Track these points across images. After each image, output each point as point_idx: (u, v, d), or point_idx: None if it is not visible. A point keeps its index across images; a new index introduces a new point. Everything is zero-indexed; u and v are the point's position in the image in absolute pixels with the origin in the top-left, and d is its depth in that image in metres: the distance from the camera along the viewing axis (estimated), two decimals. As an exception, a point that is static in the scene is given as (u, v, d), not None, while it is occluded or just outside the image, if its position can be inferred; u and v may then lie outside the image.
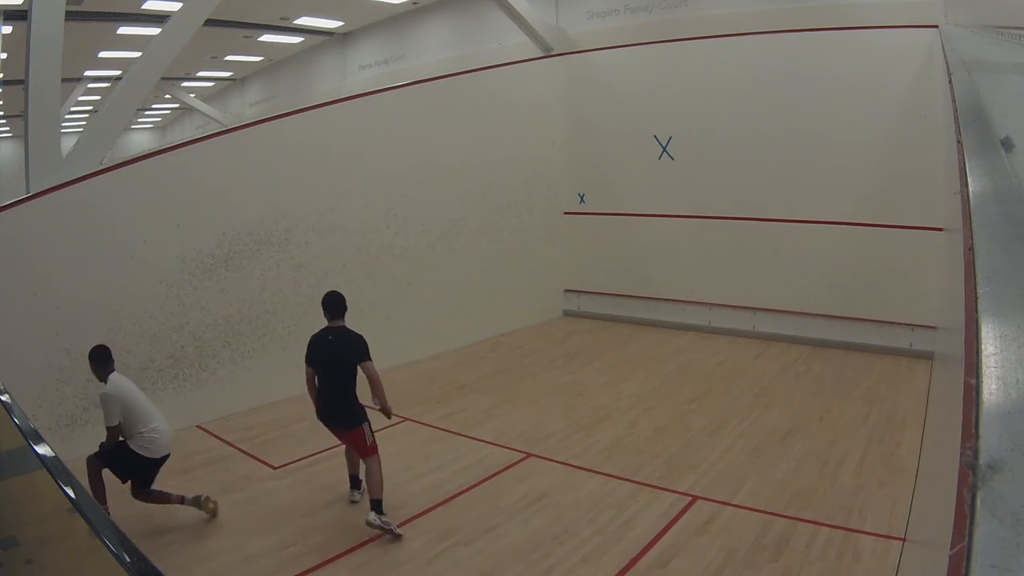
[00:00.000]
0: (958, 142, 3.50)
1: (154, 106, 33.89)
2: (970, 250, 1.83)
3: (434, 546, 5.86)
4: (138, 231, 8.40)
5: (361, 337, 6.30)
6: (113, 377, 6.10)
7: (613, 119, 13.59)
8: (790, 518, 6.12)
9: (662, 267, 13.36)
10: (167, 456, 6.31)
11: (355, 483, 6.87)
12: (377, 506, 6.10)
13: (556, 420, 8.77)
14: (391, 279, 11.17)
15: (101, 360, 6.14)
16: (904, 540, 5.55)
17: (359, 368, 6.23)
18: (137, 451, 6.10)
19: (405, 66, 18.85)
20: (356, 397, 6.32)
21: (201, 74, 26.61)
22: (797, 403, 9.12)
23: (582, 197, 14.15)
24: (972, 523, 0.99)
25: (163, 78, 17.98)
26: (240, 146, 9.51)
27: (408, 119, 11.46)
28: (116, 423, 5.99)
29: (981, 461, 1.07)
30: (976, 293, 1.60)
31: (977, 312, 1.52)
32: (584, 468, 7.31)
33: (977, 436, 1.14)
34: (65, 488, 2.22)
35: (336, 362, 6.26)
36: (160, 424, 6.23)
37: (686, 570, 5.38)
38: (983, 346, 1.36)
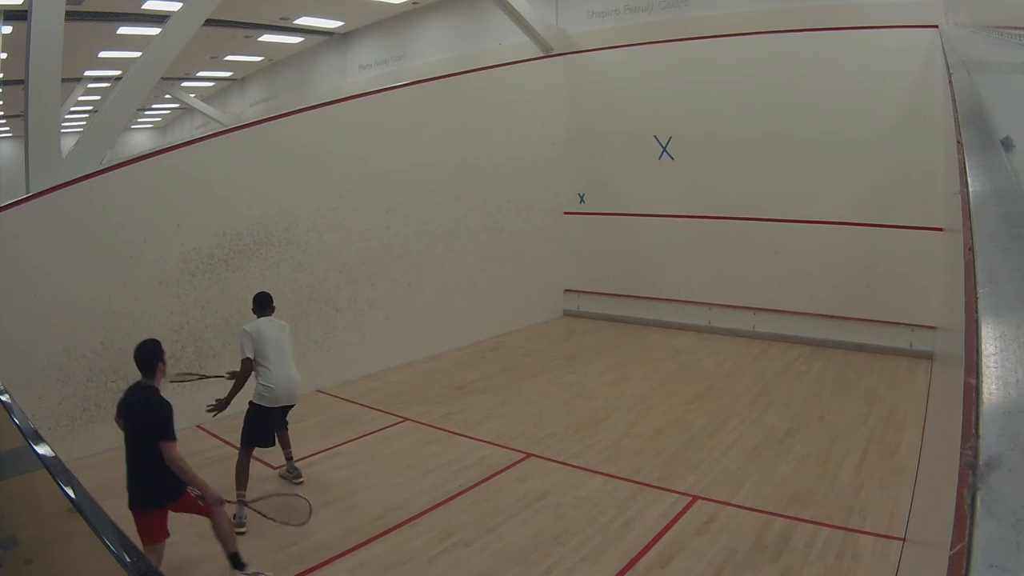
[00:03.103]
0: (958, 142, 3.49)
1: (154, 106, 33.88)
2: (970, 250, 1.82)
3: (434, 546, 5.86)
4: (138, 231, 8.39)
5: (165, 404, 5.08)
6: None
7: (613, 119, 13.60)
8: (790, 518, 6.12)
9: (662, 267, 13.37)
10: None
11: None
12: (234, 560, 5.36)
13: (556, 420, 8.76)
14: (391, 279, 11.17)
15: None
16: (904, 540, 5.56)
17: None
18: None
19: (405, 66, 18.85)
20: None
21: (201, 74, 26.63)
22: (797, 403, 9.12)
23: (582, 197, 14.16)
24: (972, 523, 0.99)
25: (163, 78, 17.93)
26: (240, 146, 9.51)
27: (408, 119, 11.46)
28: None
29: (981, 461, 1.07)
30: (976, 293, 1.60)
31: (977, 312, 1.51)
32: (584, 468, 7.30)
33: (977, 436, 1.13)
34: (65, 488, 2.21)
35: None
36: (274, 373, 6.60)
37: (686, 570, 5.37)
38: (983, 346, 1.36)
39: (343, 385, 10.14)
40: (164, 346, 8.31)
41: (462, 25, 17.57)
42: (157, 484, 4.96)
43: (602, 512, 6.37)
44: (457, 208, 12.23)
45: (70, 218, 7.85)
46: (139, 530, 4.92)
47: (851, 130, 11.02)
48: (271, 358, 6.58)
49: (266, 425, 6.73)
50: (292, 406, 6.90)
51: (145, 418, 4.97)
